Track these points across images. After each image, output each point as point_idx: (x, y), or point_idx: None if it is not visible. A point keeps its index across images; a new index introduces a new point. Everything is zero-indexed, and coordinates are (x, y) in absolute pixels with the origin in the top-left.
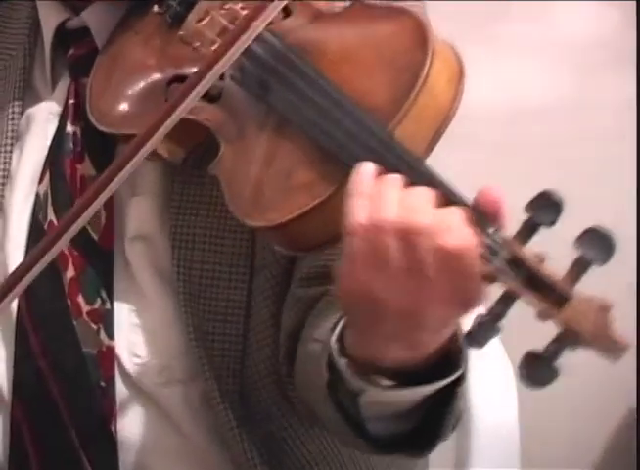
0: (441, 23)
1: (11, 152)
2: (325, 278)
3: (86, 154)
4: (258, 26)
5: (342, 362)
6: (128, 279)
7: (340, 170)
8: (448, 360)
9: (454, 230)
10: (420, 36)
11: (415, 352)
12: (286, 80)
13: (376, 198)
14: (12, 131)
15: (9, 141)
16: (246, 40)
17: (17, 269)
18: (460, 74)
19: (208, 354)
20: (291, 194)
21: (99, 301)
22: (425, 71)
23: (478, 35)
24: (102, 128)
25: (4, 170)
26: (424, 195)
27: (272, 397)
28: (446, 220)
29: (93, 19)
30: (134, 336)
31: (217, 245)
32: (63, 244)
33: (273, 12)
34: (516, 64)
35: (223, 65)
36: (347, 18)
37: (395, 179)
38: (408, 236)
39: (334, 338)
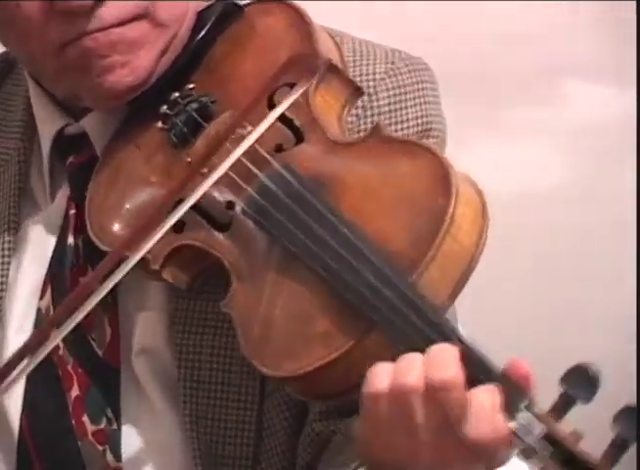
0: (450, 107)
1: (9, 264)
2: (344, 413)
3: (88, 266)
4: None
5: None
6: (137, 396)
7: (359, 322)
8: None
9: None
10: (442, 178)
11: None
12: (301, 222)
13: (398, 362)
14: (9, 242)
15: (7, 252)
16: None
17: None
18: (483, 212)
19: None
20: (307, 344)
21: (105, 420)
22: (448, 217)
23: (484, 120)
24: (104, 247)
25: (2, 283)
26: (449, 350)
27: None
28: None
29: (93, 126)
30: (144, 455)
31: (226, 364)
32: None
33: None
34: (522, 149)
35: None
36: (365, 151)
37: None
38: (436, 393)
39: None
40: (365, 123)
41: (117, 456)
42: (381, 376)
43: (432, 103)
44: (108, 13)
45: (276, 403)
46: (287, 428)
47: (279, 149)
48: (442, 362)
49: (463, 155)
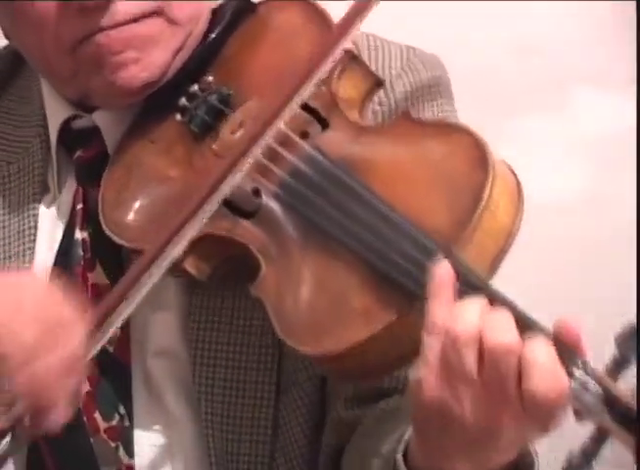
0: (462, 116)
1: (33, 249)
2: (372, 399)
3: (97, 261)
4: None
5: None
6: (150, 396)
7: (398, 295)
8: None
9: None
10: (479, 155)
11: (481, 469)
12: (335, 200)
13: (457, 309)
14: (35, 228)
15: (32, 238)
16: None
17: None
18: (519, 192)
19: None
20: (346, 320)
21: (117, 417)
22: (487, 193)
23: (496, 130)
24: (123, 242)
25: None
26: (506, 315)
27: None
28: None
29: (105, 120)
30: (156, 457)
31: (241, 362)
32: None
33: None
34: (535, 158)
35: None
36: (395, 133)
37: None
38: (494, 355)
39: (400, 450)
40: (383, 119)
41: (130, 453)
42: (440, 317)
43: (446, 98)
44: (122, 9)
45: (291, 399)
46: (302, 424)
47: (305, 136)
48: (500, 326)
49: None
